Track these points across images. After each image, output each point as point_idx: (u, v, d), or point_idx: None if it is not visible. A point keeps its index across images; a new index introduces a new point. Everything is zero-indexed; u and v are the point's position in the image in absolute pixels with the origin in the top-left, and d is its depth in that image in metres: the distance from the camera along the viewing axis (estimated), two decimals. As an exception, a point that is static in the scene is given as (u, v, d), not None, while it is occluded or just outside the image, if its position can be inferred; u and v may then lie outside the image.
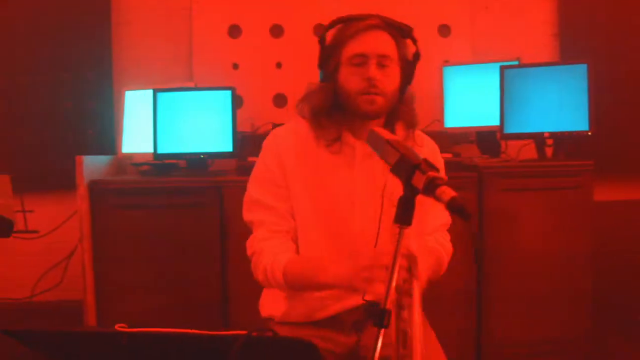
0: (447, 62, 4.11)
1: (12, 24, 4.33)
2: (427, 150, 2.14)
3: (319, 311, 2.06)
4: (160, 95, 3.82)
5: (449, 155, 3.73)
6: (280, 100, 4.31)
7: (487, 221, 3.50)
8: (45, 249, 4.17)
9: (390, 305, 1.39)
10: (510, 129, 3.66)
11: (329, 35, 2.02)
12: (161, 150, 3.80)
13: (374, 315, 1.34)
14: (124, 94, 4.10)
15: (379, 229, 1.80)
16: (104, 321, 3.59)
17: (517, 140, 3.86)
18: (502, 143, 3.92)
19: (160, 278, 3.56)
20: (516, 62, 3.83)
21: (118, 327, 1.47)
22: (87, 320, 3.58)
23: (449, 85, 4.04)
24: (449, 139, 3.99)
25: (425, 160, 1.38)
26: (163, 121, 3.81)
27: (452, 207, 1.26)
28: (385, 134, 1.54)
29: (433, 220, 2.09)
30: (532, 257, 3.50)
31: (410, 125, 2.09)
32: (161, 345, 1.47)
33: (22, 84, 4.33)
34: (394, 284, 1.40)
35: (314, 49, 2.08)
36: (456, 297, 3.52)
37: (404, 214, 1.39)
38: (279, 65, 4.30)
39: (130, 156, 4.04)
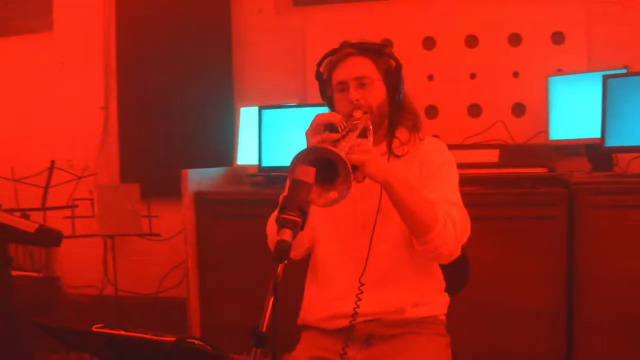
0: (560, 71, 3.94)
1: (150, 51, 4.85)
2: (425, 149, 2.22)
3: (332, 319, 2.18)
4: (264, 112, 4.07)
5: (543, 170, 3.59)
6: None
7: (580, 239, 3.33)
8: (169, 251, 4.60)
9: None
10: (613, 141, 3.44)
11: (323, 69, 2.25)
12: (266, 163, 4.04)
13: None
14: (239, 110, 4.42)
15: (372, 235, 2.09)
16: (206, 320, 3.92)
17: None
18: (613, 156, 3.67)
19: (256, 283, 3.78)
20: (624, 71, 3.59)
21: (95, 327, 1.69)
22: (190, 319, 3.91)
23: (554, 96, 3.86)
24: (555, 152, 3.81)
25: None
26: (268, 136, 4.04)
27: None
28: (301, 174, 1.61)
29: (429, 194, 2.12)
30: (629, 279, 3.27)
31: (413, 128, 2.23)
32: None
33: (155, 102, 4.83)
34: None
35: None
36: (541, 318, 3.39)
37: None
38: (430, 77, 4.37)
39: (245, 168, 4.34)
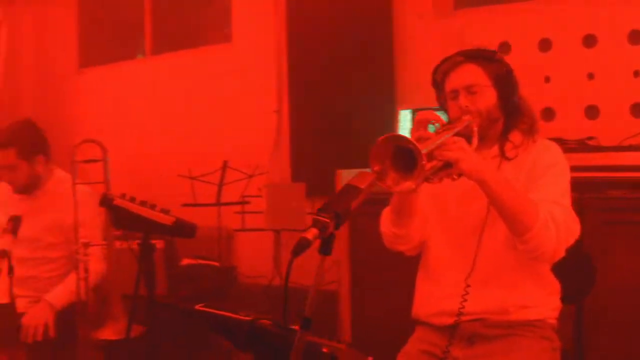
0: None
1: (317, 57, 5.12)
2: (537, 151, 2.26)
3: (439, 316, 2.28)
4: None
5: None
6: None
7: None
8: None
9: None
10: None
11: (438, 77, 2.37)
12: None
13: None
14: (399, 113, 4.55)
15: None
16: (357, 311, 4.10)
17: None
18: None
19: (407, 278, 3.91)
20: None
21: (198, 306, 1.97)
22: (341, 312, 4.12)
23: None
24: None
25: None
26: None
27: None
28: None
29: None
30: None
31: (528, 131, 2.28)
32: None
33: (322, 105, 5.08)
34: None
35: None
36: None
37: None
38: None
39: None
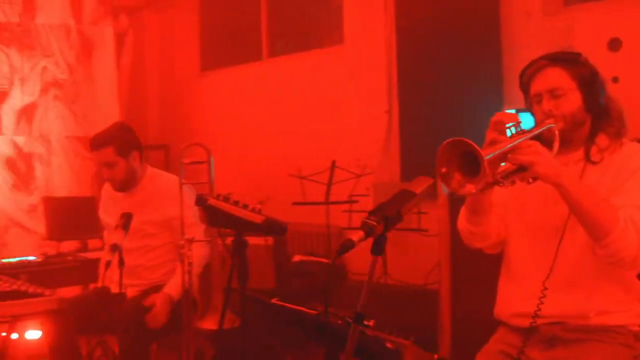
0: None
1: (425, 59, 5.15)
2: (624, 154, 2.24)
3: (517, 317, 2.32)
4: (520, 115, 4.15)
5: None
6: None
7: None
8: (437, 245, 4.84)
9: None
10: None
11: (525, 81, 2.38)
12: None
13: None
14: (504, 113, 4.53)
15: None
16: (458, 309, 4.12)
17: None
18: None
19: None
20: None
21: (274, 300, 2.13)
22: (441, 311, 4.16)
23: None
24: None
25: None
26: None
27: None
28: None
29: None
30: None
31: (615, 135, 2.26)
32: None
33: (431, 106, 5.11)
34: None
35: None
36: None
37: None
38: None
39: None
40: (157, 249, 3.63)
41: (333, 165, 5.07)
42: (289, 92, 6.16)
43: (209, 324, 3.13)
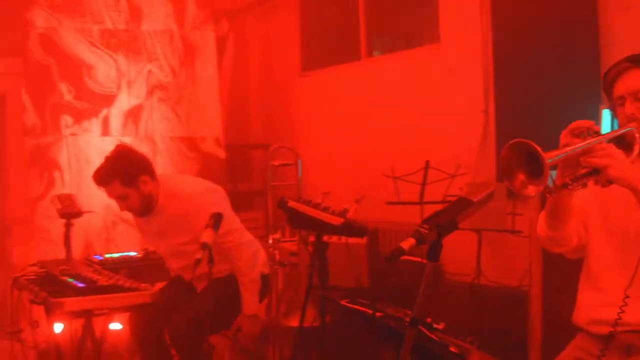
0: None
1: (521, 56, 5.07)
2: None
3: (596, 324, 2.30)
4: (605, 112, 4.06)
5: None
6: None
7: None
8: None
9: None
10: None
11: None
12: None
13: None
14: (602, 112, 4.40)
15: None
16: (549, 312, 4.05)
17: None
18: None
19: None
20: None
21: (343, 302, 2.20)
22: (531, 312, 4.10)
23: None
24: None
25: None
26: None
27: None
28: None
29: None
30: None
31: None
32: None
33: (528, 104, 5.02)
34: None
35: None
36: None
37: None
38: None
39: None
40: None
41: (427, 165, 5.07)
42: (385, 91, 6.20)
43: (294, 321, 3.22)
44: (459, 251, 5.37)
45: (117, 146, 3.71)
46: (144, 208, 3.59)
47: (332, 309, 2.85)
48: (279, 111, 7.48)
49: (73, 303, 2.97)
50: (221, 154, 6.74)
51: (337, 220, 2.66)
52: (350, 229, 2.69)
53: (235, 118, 7.37)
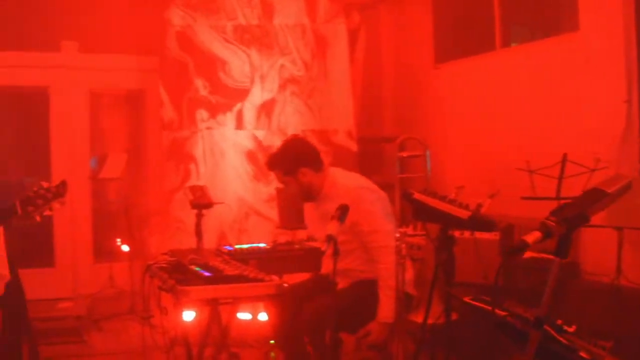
0: None
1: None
2: None
3: None
4: None
5: None
6: None
7: None
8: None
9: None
10: None
11: None
12: None
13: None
14: None
15: None
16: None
17: None
18: None
19: None
20: None
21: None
22: None
23: None
24: None
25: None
26: None
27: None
28: None
29: None
30: None
31: None
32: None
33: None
34: None
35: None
36: None
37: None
38: None
39: None
40: (353, 252, 3.76)
41: (564, 158, 4.82)
42: (521, 82, 5.95)
43: (420, 317, 3.13)
44: (598, 250, 5.10)
45: (291, 136, 4.18)
46: (303, 195, 3.91)
47: (459, 306, 2.74)
48: (411, 104, 7.37)
49: (198, 291, 3.02)
50: (353, 146, 6.72)
51: (464, 214, 2.55)
52: (478, 222, 2.57)
53: (367, 111, 7.31)
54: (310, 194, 3.90)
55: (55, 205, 3.36)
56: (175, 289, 3.05)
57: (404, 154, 3.33)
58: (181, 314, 3.28)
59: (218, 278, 3.09)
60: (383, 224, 3.70)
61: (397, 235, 3.22)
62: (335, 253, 3.06)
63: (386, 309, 3.56)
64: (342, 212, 3.21)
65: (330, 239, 3.06)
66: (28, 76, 7.22)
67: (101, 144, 7.66)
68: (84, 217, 7.31)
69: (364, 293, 3.65)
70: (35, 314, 5.57)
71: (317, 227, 4.04)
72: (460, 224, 2.58)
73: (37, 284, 6.82)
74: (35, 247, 7.47)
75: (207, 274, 3.15)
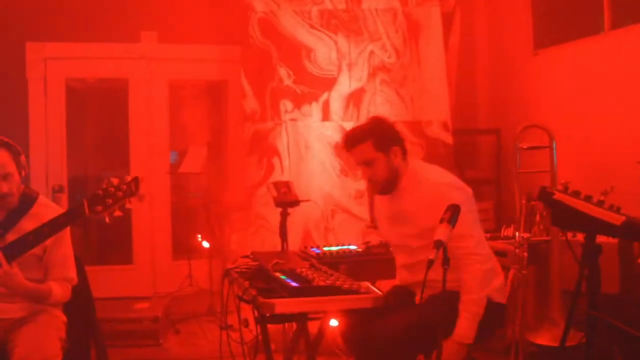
0: None
1: None
2: None
3: None
4: None
5: None
6: None
7: None
8: None
9: None
10: None
11: None
12: None
13: None
14: None
15: None
16: None
17: None
18: None
19: None
20: None
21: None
22: None
23: None
24: None
25: None
26: None
27: None
28: None
29: None
30: None
31: None
32: None
33: None
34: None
35: None
36: None
37: None
38: None
39: None
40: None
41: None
42: (634, 67, 5.31)
43: (544, 338, 2.63)
44: None
45: (375, 116, 3.59)
46: (387, 181, 3.35)
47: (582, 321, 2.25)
48: (508, 93, 6.82)
49: (284, 305, 2.59)
50: (448, 139, 6.21)
51: (616, 219, 2.04)
52: (633, 230, 2.06)
53: (462, 101, 6.79)
54: (391, 183, 3.34)
55: (127, 204, 3.02)
56: (257, 300, 2.64)
57: (524, 146, 2.81)
58: (263, 326, 2.86)
59: (307, 289, 2.65)
60: (471, 228, 3.17)
61: (517, 239, 2.72)
62: (445, 262, 2.59)
63: (465, 327, 3.02)
64: (453, 213, 2.73)
65: (439, 245, 2.59)
66: (108, 68, 7.13)
67: (181, 137, 7.51)
68: (163, 212, 7.16)
69: (447, 308, 3.04)
70: (112, 314, 5.45)
71: (387, 227, 3.54)
72: (611, 230, 2.08)
73: (115, 281, 6.75)
74: (114, 243, 7.39)
75: (294, 284, 2.71)
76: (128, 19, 6.87)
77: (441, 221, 2.69)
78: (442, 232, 2.64)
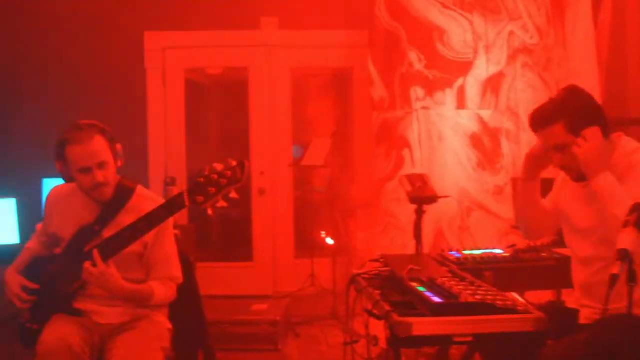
0: None
1: None
2: None
3: None
4: None
5: None
6: None
7: None
8: None
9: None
10: None
11: None
12: None
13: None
14: None
15: None
16: None
17: None
18: None
19: None
20: None
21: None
22: None
23: None
24: None
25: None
26: None
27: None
28: None
29: None
30: None
31: None
32: None
33: None
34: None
35: None
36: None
37: None
38: None
39: None
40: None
41: None
42: None
43: None
44: None
45: (569, 85, 2.96)
46: (577, 169, 2.73)
47: None
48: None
49: (424, 325, 2.10)
50: (602, 128, 5.53)
51: None
52: None
53: (614, 86, 6.07)
54: (587, 169, 2.67)
55: (232, 193, 2.64)
56: (391, 318, 2.17)
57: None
58: (396, 349, 2.38)
59: (453, 307, 2.15)
60: None
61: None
62: (632, 279, 2.02)
63: None
64: (640, 214, 2.15)
65: (624, 255, 2.03)
66: (227, 56, 6.90)
67: (303, 128, 7.20)
68: (286, 208, 6.82)
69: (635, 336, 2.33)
70: (229, 315, 5.18)
71: (577, 214, 2.86)
72: None
73: (234, 279, 6.51)
74: (234, 239, 7.19)
75: (436, 299, 2.21)
76: (247, 4, 6.65)
77: (625, 225, 2.12)
78: (626, 239, 2.07)
